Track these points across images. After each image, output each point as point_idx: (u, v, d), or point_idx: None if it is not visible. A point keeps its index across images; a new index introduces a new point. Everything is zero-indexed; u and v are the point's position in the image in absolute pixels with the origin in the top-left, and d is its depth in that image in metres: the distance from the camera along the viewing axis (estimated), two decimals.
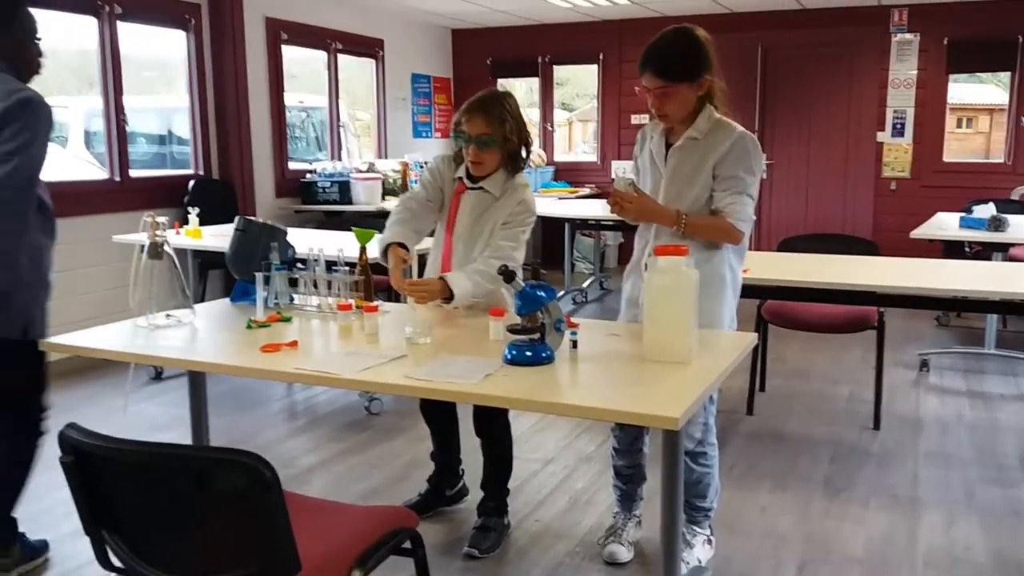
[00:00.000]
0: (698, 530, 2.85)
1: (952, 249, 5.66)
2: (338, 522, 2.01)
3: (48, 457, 2.90)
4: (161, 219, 2.54)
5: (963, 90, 8.94)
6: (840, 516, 3.21)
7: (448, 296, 2.66)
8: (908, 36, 7.79)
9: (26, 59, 2.62)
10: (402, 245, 2.78)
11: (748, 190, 2.57)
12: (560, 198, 8.04)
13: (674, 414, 1.76)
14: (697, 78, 2.55)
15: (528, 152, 2.85)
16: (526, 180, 2.87)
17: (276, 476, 1.47)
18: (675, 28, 2.58)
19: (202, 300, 5.05)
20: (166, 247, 2.54)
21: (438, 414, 3.16)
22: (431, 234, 3.03)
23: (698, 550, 2.82)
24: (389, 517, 2.03)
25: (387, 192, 7.46)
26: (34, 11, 2.66)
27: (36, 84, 2.64)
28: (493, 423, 2.99)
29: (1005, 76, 7.90)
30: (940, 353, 5.46)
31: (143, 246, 2.55)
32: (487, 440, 3.02)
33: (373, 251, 2.91)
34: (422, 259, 3.08)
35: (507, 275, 2.26)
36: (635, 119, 8.63)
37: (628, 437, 2.87)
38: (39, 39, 2.67)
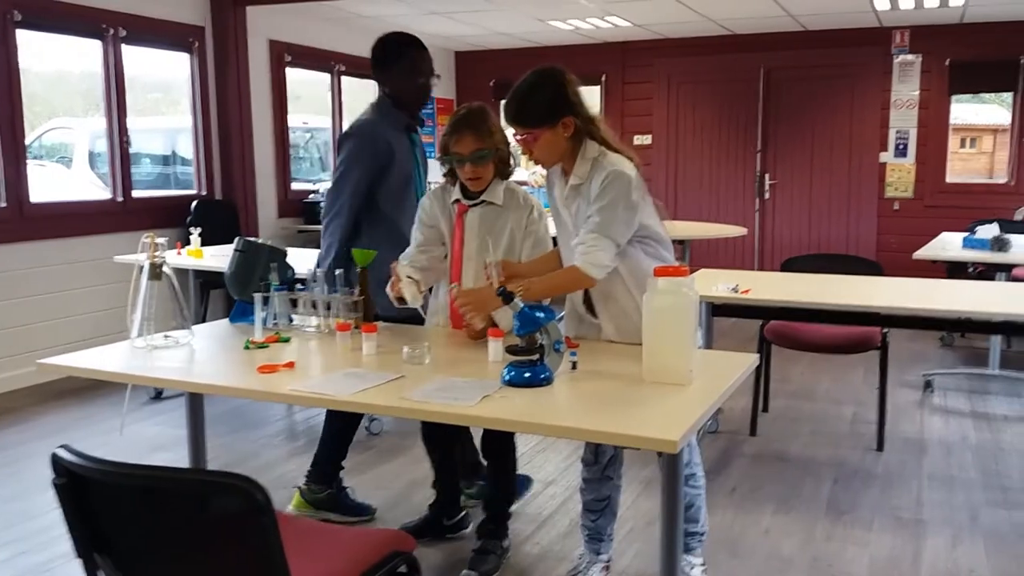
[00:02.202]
0: (694, 560, 2.80)
1: (956, 269, 5.65)
2: (334, 545, 1.99)
3: (44, 477, 2.88)
4: (160, 240, 2.54)
5: (966, 110, 8.95)
6: (843, 538, 3.18)
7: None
8: (910, 57, 7.81)
9: (402, 93, 3.21)
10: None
11: (606, 230, 2.40)
12: None
13: (673, 437, 1.75)
14: (556, 121, 2.44)
15: (511, 155, 2.86)
16: (524, 189, 2.90)
17: (269, 499, 1.45)
18: (534, 71, 2.49)
19: (203, 320, 5.05)
20: (165, 268, 2.54)
21: (440, 439, 3.12)
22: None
23: None
24: (386, 541, 2.01)
25: None
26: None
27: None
28: (499, 445, 2.97)
29: (1008, 96, 7.91)
30: (944, 374, 5.43)
31: (142, 267, 2.55)
32: (492, 461, 3.00)
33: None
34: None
35: (505, 296, 2.24)
36: (637, 139, 8.64)
37: (599, 467, 2.77)
38: (425, 77, 3.23)
